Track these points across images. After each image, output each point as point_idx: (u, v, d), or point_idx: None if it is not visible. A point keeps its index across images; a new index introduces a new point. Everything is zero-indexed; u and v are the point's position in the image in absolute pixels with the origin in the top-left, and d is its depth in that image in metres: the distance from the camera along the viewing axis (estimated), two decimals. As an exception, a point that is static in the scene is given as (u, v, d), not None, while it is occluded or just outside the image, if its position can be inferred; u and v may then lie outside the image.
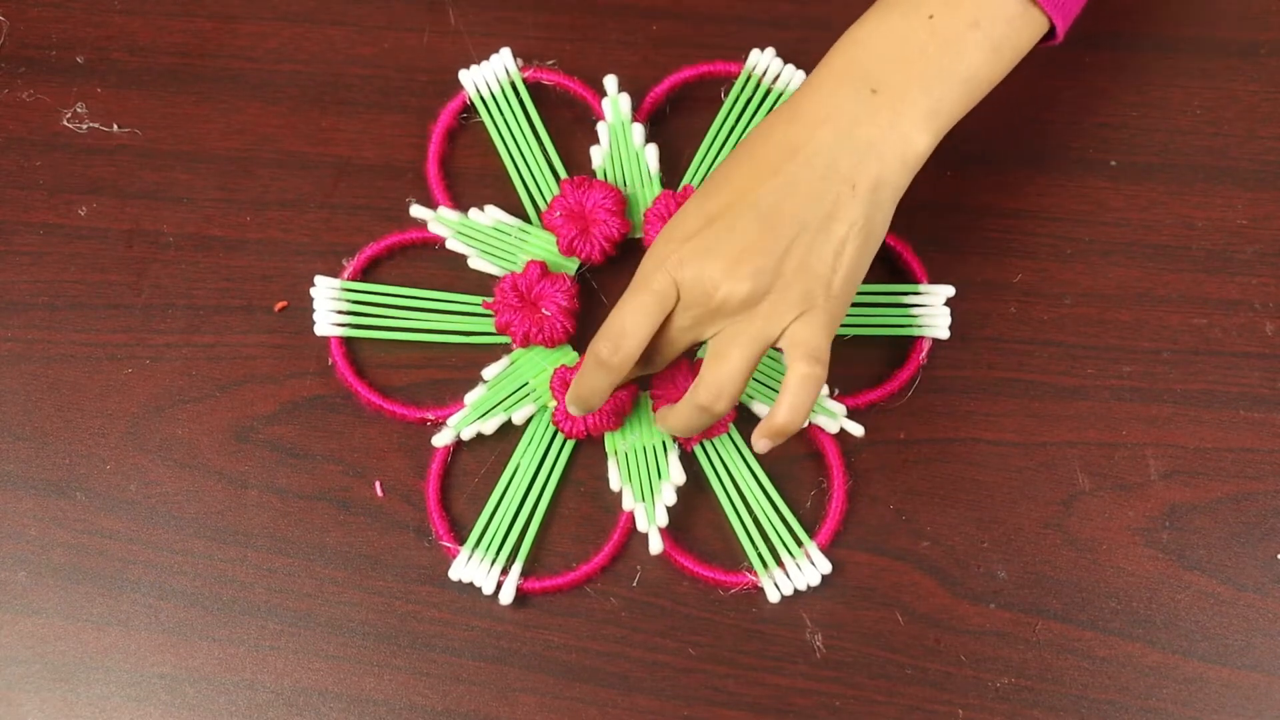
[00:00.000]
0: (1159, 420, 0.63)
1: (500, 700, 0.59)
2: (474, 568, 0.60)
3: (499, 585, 0.60)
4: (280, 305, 0.65)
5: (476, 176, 0.67)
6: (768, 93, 0.68)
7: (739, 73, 0.68)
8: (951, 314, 0.64)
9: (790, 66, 0.67)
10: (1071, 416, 0.63)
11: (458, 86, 0.68)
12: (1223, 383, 0.64)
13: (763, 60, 0.67)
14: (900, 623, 0.60)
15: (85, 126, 0.68)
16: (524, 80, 0.68)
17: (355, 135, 0.68)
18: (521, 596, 0.60)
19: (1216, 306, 0.65)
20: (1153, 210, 0.67)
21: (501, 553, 0.61)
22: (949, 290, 0.64)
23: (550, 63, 0.68)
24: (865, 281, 0.65)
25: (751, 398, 0.63)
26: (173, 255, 0.66)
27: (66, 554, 0.61)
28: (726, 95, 0.67)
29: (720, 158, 0.67)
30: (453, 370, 0.64)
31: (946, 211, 0.65)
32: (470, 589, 0.60)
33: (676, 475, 0.61)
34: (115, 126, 0.68)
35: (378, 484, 0.62)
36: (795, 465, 0.63)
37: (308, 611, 0.60)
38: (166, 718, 0.59)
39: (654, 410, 0.61)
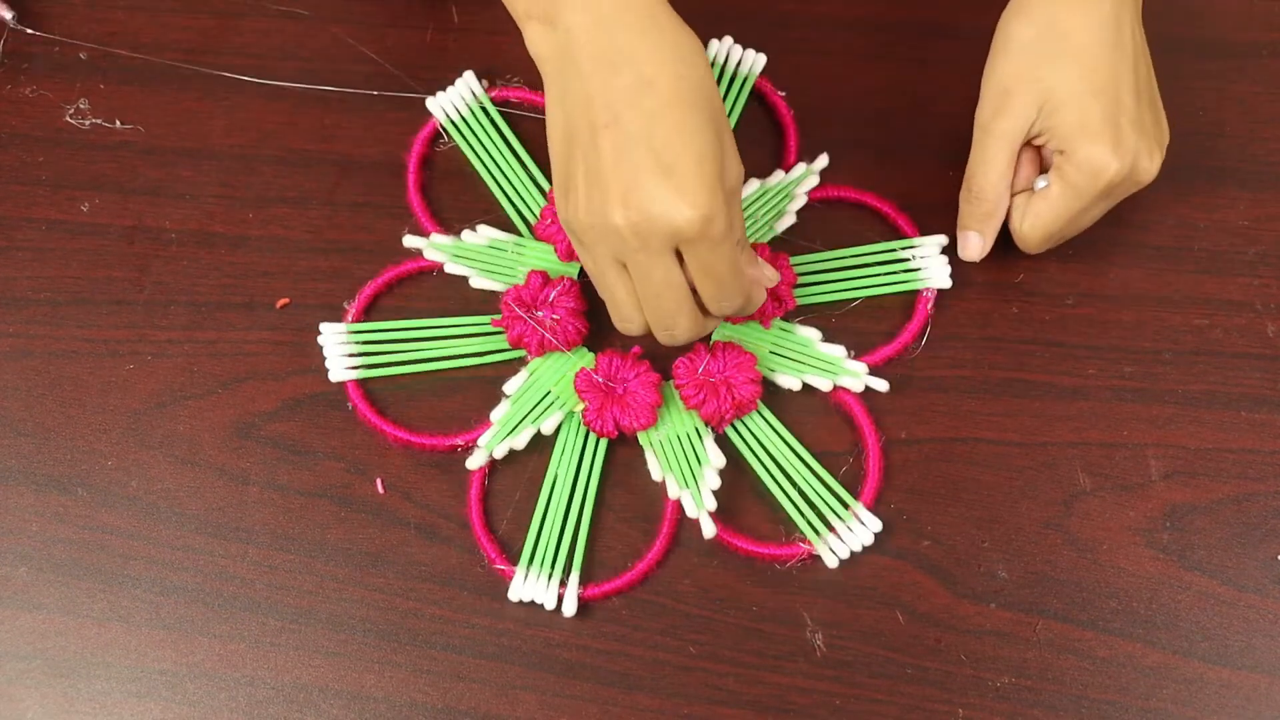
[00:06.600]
0: (1160, 421, 0.63)
1: (501, 698, 0.59)
2: (532, 586, 0.60)
3: (560, 598, 0.60)
4: (282, 302, 0.65)
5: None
6: (733, 78, 0.68)
7: None
8: (950, 264, 0.65)
9: (751, 51, 0.68)
10: (1073, 417, 0.63)
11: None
12: (1224, 384, 0.64)
13: (722, 49, 0.68)
14: (901, 622, 0.60)
15: (88, 123, 0.68)
16: (491, 100, 0.68)
17: (358, 133, 0.68)
18: (583, 605, 0.60)
19: (1218, 307, 0.65)
20: (1154, 211, 0.67)
21: (556, 565, 0.60)
22: (942, 239, 0.65)
23: (513, 79, 0.68)
24: (860, 243, 0.65)
25: (773, 370, 0.63)
26: (175, 252, 0.66)
27: (67, 550, 0.61)
28: None
29: None
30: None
31: (949, 211, 0.65)
32: (471, 587, 0.60)
33: (715, 458, 0.61)
34: (118, 123, 0.68)
35: (379, 481, 0.62)
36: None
37: (308, 608, 0.60)
38: (167, 714, 0.59)
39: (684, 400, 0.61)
